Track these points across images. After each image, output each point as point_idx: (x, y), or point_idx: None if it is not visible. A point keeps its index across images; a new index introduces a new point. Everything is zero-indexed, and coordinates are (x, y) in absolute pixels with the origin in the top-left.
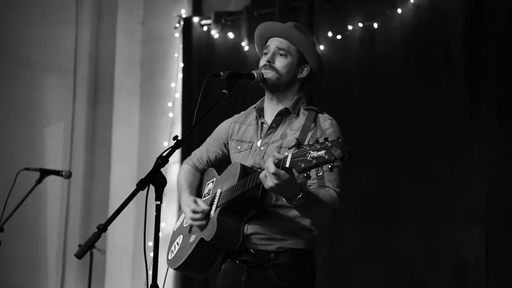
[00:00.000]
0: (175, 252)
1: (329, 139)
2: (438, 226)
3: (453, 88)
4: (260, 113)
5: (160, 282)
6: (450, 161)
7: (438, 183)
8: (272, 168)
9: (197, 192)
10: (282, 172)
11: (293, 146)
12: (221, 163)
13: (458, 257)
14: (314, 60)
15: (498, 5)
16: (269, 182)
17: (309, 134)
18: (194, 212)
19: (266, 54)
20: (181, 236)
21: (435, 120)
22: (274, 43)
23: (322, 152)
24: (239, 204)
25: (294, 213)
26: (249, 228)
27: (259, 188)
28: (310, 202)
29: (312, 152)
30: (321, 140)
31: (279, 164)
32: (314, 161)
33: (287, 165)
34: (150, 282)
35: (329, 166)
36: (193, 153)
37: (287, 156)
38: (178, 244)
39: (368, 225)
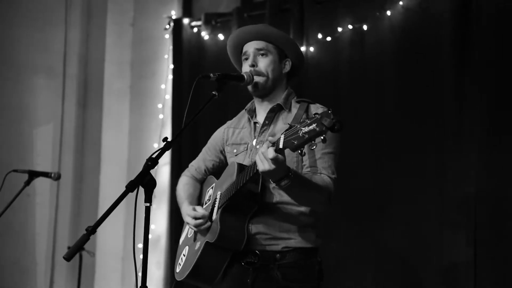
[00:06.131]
0: (182, 263)
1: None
2: (427, 226)
3: (443, 90)
4: (252, 114)
5: (149, 284)
6: (440, 161)
7: (427, 182)
8: (271, 153)
9: (198, 202)
10: (280, 157)
11: (285, 130)
12: (218, 171)
13: (446, 259)
14: (294, 53)
15: (486, 6)
16: (266, 166)
17: None
18: (195, 218)
19: (246, 59)
20: (187, 247)
21: (424, 120)
22: (251, 46)
23: (313, 126)
24: (239, 201)
25: (299, 210)
26: (253, 228)
27: (258, 184)
28: (300, 185)
29: (303, 128)
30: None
31: (273, 146)
32: (307, 136)
33: (281, 145)
34: (139, 284)
35: (322, 138)
36: (190, 164)
37: (280, 137)
38: (184, 256)
39: (356, 224)
